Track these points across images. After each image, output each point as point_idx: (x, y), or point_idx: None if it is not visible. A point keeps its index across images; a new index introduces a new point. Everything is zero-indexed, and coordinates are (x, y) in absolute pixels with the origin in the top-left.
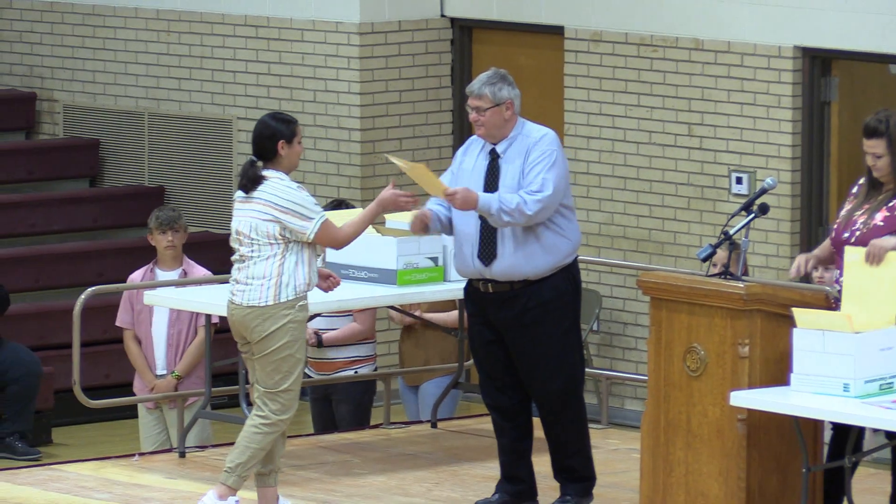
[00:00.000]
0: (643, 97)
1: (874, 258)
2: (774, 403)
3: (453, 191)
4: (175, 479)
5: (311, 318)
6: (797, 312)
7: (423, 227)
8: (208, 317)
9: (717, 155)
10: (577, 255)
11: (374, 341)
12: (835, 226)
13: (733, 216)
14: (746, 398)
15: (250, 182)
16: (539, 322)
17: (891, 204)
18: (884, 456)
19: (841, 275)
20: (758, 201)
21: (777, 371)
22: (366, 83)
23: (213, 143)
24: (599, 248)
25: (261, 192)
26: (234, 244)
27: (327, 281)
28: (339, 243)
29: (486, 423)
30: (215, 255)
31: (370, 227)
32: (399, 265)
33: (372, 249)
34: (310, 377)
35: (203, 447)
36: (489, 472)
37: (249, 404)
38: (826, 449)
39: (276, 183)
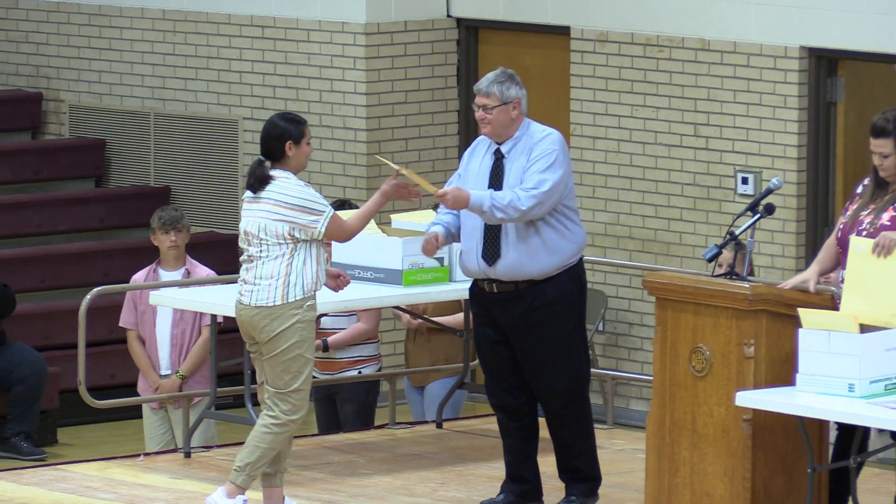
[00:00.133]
0: (649, 97)
1: (884, 249)
2: (780, 404)
3: (444, 191)
4: (180, 480)
5: (318, 317)
6: (803, 313)
7: (434, 249)
8: (213, 316)
9: (723, 155)
10: (583, 256)
11: (377, 341)
12: (840, 226)
13: (739, 216)
14: (752, 398)
15: (258, 182)
16: (544, 322)
17: None
18: (889, 456)
19: (845, 267)
20: (764, 201)
21: (782, 371)
22: (372, 83)
23: (218, 144)
24: (605, 249)
25: (269, 191)
26: (242, 244)
27: (337, 280)
28: (347, 235)
29: (492, 424)
30: (221, 255)
31: (377, 227)
32: (405, 265)
33: (378, 250)
34: (314, 377)
35: (208, 447)
36: (494, 473)
37: (255, 404)
38: (831, 449)
39: (283, 182)
